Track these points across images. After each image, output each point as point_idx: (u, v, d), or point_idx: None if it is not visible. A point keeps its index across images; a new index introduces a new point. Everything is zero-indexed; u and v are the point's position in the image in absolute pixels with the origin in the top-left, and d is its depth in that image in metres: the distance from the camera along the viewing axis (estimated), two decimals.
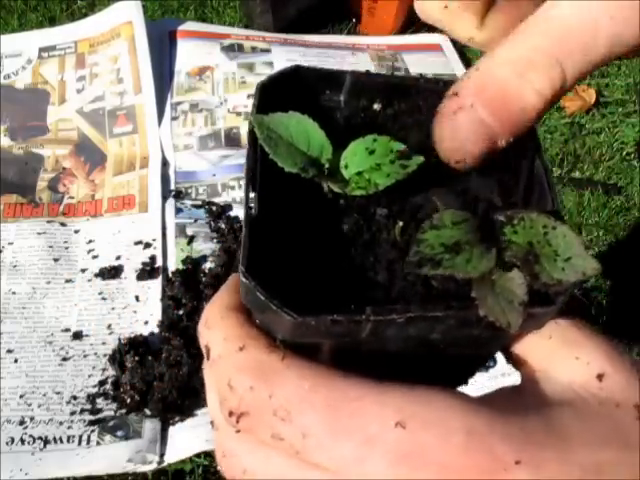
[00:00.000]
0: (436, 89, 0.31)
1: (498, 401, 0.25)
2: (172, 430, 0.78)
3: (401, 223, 0.28)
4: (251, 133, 0.28)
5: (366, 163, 0.29)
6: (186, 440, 0.77)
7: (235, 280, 0.29)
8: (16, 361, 0.84)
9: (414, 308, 0.24)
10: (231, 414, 0.25)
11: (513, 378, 0.73)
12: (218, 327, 0.27)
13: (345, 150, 0.29)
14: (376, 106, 0.32)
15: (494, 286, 0.25)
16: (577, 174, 1.27)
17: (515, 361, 0.29)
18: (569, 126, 1.34)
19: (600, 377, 0.25)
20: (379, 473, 0.23)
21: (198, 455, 0.77)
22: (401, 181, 0.28)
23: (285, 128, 0.29)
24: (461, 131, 0.27)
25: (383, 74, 0.33)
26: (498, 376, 0.81)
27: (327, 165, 0.29)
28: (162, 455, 0.76)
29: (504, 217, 0.27)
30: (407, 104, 0.32)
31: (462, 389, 0.28)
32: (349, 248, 0.27)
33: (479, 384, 0.78)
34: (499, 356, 0.30)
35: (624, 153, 1.30)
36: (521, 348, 0.28)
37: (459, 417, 0.23)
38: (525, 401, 0.26)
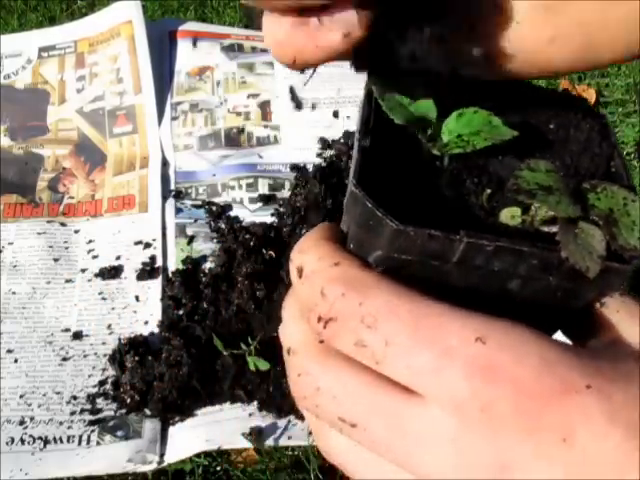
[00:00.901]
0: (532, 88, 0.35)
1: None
2: (172, 430, 0.78)
3: (489, 191, 0.30)
4: (368, 92, 0.31)
5: (466, 129, 0.31)
6: (186, 440, 0.77)
7: (325, 224, 0.31)
8: (16, 361, 0.84)
9: (503, 240, 0.26)
10: (319, 319, 0.26)
11: None
12: (313, 251, 0.28)
13: (447, 118, 0.32)
14: None
15: (577, 237, 0.27)
16: None
17: (580, 334, 0.30)
18: None
19: None
20: (454, 383, 0.24)
21: (198, 455, 0.77)
22: (493, 153, 0.30)
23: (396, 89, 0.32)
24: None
25: None
26: None
27: (430, 128, 0.31)
28: (162, 455, 0.76)
29: (589, 185, 0.29)
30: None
31: None
32: (441, 202, 0.29)
33: None
34: None
35: (624, 153, 1.30)
36: (590, 320, 0.29)
37: (535, 345, 0.24)
38: (592, 351, 0.28)
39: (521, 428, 0.23)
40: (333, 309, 0.26)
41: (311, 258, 0.28)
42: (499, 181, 0.30)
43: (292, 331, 0.29)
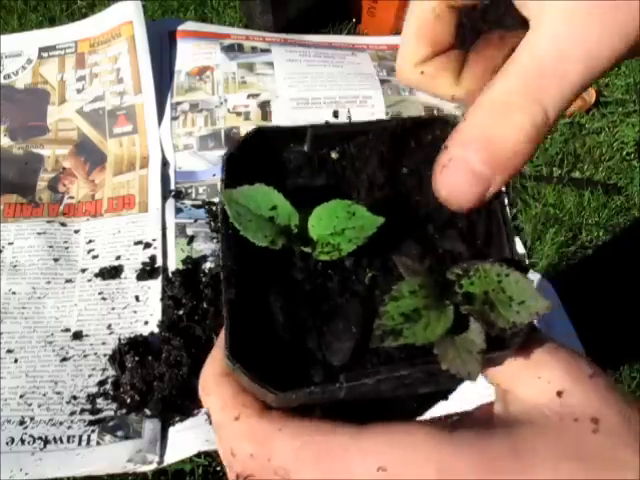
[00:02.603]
0: (388, 126, 0.33)
1: (469, 424, 0.28)
2: (172, 430, 0.78)
3: (370, 274, 0.30)
4: (222, 211, 0.30)
5: (330, 228, 0.30)
6: (186, 440, 0.77)
7: (222, 351, 0.31)
8: (16, 361, 0.84)
9: (382, 370, 0.27)
10: (238, 477, 0.28)
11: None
12: (215, 394, 0.30)
13: (311, 214, 0.31)
14: (334, 155, 0.33)
15: (454, 338, 0.27)
16: (577, 174, 1.27)
17: (489, 382, 0.31)
18: (569, 126, 1.34)
19: (560, 394, 0.27)
20: None
21: (198, 455, 0.77)
22: (367, 245, 0.30)
23: (253, 201, 0.30)
24: (454, 182, 0.29)
25: (341, 123, 0.35)
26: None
27: (296, 230, 0.30)
28: (162, 455, 0.76)
29: (461, 270, 0.29)
30: (359, 149, 0.34)
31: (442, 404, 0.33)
32: (324, 306, 0.29)
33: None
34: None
35: (624, 153, 1.30)
36: (491, 372, 0.30)
37: (430, 454, 0.26)
38: (494, 422, 0.28)
39: None
40: (247, 468, 0.28)
41: (214, 405, 0.29)
42: (381, 258, 0.30)
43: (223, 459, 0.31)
